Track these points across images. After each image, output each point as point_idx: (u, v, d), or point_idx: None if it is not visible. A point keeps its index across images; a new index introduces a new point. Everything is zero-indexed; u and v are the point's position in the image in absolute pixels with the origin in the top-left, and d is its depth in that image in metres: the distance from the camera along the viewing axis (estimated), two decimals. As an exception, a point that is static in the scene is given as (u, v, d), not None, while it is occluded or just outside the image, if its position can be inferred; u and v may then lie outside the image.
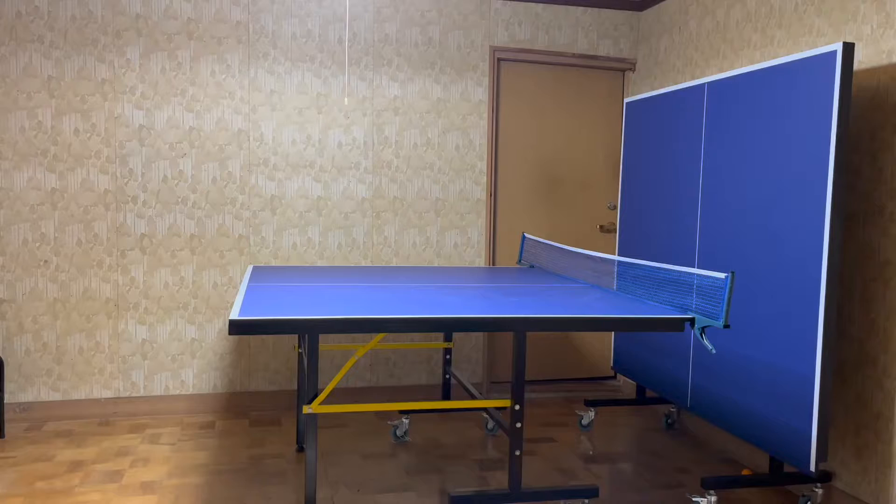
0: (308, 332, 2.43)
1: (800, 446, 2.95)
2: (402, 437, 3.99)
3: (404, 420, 3.98)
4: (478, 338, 4.88)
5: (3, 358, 4.06)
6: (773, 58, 3.59)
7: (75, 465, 3.52)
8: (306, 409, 2.78)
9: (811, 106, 2.95)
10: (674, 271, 3.01)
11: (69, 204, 4.15)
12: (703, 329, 2.68)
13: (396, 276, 3.70)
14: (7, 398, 4.16)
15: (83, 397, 4.23)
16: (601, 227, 5.11)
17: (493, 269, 4.32)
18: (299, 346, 3.78)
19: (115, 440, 3.91)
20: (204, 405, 4.42)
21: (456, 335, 4.78)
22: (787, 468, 3.46)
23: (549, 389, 5.05)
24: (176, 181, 4.30)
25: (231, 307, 4.44)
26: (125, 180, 4.24)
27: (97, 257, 4.22)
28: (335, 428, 4.19)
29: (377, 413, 4.50)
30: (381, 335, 2.84)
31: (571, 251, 3.85)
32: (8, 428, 4.02)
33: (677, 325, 2.68)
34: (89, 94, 4.16)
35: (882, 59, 3.02)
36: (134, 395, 4.33)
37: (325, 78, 4.49)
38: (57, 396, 4.22)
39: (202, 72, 4.31)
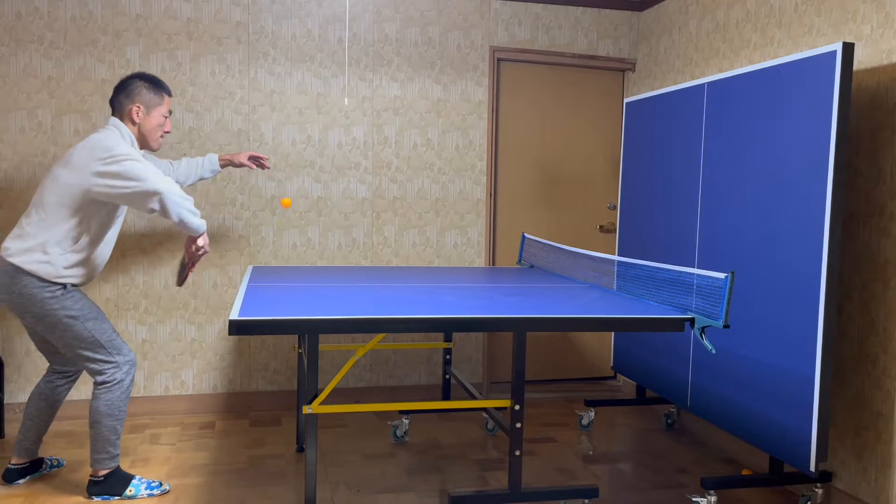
0: (308, 332, 2.43)
1: (800, 446, 2.95)
2: (402, 437, 3.99)
3: (404, 420, 3.98)
4: (478, 338, 4.88)
5: (2, 358, 4.06)
6: (773, 58, 3.59)
7: (75, 465, 3.52)
8: (306, 410, 2.78)
9: (811, 106, 2.95)
10: (673, 271, 3.01)
11: (69, 204, 4.15)
12: (703, 329, 2.68)
13: (396, 276, 3.70)
14: (7, 398, 4.16)
15: (83, 397, 4.23)
16: (601, 227, 5.11)
17: (493, 269, 4.32)
18: (299, 346, 3.78)
19: (115, 440, 3.90)
20: (204, 405, 4.42)
21: (456, 335, 4.78)
22: (787, 468, 3.45)
23: (549, 389, 5.05)
24: (176, 181, 4.30)
25: (231, 307, 4.44)
26: (125, 180, 4.24)
27: (97, 257, 4.22)
28: (335, 428, 4.19)
29: (377, 413, 4.50)
30: (381, 335, 2.84)
31: (571, 251, 3.85)
32: (8, 428, 4.02)
33: (677, 325, 2.68)
34: (89, 95, 4.16)
35: (882, 59, 3.02)
36: (134, 395, 4.32)
37: (324, 78, 4.49)
38: (57, 396, 4.21)
39: (202, 72, 4.31)
